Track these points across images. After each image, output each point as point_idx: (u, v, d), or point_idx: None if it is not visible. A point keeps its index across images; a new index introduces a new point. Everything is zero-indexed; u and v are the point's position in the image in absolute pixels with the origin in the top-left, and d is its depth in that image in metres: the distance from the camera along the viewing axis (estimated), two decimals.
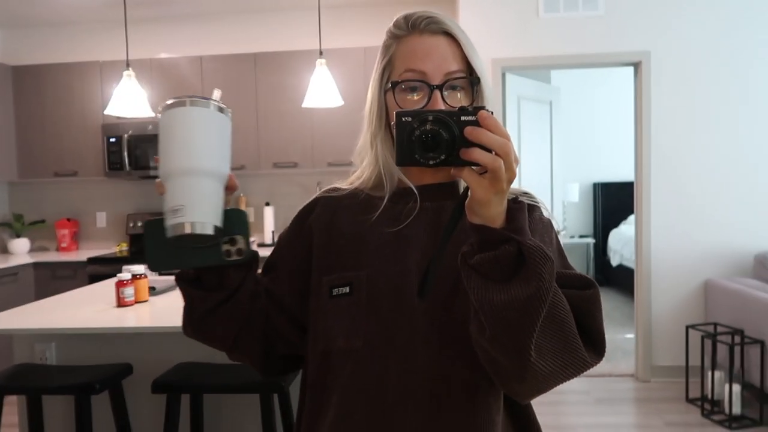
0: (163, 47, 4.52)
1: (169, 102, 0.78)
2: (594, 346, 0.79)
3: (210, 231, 0.77)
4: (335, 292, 0.86)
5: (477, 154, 0.66)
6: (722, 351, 3.31)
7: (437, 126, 0.68)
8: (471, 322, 0.76)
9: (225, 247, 0.83)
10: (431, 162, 0.69)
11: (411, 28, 0.88)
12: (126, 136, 4.16)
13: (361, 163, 0.95)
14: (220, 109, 0.80)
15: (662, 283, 3.77)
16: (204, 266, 0.84)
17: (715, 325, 3.40)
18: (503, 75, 3.87)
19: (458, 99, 0.86)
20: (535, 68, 4.03)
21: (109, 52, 4.46)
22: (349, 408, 0.84)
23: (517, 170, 0.69)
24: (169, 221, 0.75)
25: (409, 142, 0.69)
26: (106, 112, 2.63)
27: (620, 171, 6.82)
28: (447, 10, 4.32)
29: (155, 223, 0.80)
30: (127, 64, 2.65)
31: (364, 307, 0.84)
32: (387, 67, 0.89)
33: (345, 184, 0.97)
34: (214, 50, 4.42)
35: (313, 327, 0.90)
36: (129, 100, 2.55)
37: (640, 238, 3.80)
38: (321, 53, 2.93)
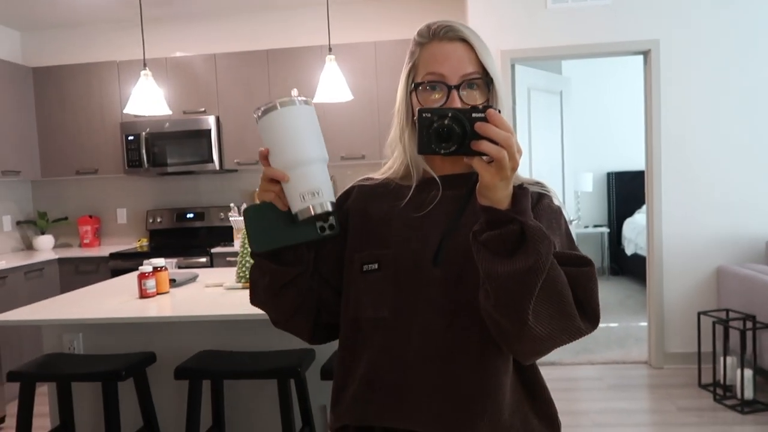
0: (178, 46, 4.62)
1: (268, 105, 0.90)
2: (588, 316, 0.90)
3: (330, 208, 0.92)
4: (366, 268, 0.98)
5: (485, 146, 0.79)
6: (734, 337, 3.33)
7: (451, 121, 0.81)
8: (479, 291, 0.88)
9: (319, 223, 0.94)
10: (444, 151, 0.82)
11: (432, 36, 0.99)
12: (144, 134, 4.26)
13: (392, 154, 1.08)
14: (307, 103, 0.92)
15: (674, 270, 3.79)
16: (305, 242, 0.96)
17: (727, 311, 3.42)
18: (512, 66, 3.90)
19: (474, 97, 0.98)
20: (544, 59, 4.05)
21: (126, 51, 4.57)
22: (377, 365, 0.98)
23: (520, 161, 0.80)
24: (307, 203, 0.90)
25: (428, 135, 0.83)
26: (125, 110, 2.72)
27: (634, 160, 6.79)
28: (456, 4, 4.35)
29: (255, 208, 0.93)
30: (144, 64, 2.73)
31: (390, 281, 0.97)
32: (412, 71, 1.01)
33: (377, 174, 1.10)
34: (228, 48, 4.51)
35: (346, 296, 1.03)
36: (147, 99, 2.63)
37: (651, 225, 3.82)
38: (330, 49, 2.99)
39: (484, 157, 0.79)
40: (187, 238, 4.61)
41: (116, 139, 4.38)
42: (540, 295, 0.82)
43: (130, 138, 4.29)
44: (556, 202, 1.02)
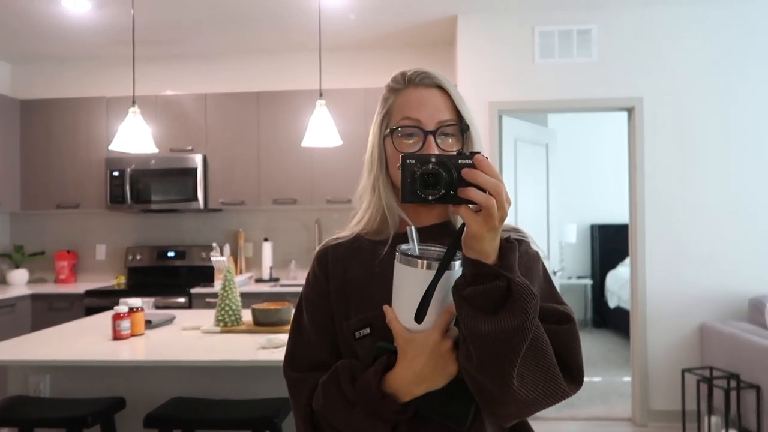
0: (169, 84, 4.63)
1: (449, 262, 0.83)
2: (572, 377, 0.86)
3: None
4: (357, 335, 0.92)
5: (472, 193, 0.75)
6: (718, 395, 3.29)
7: (437, 167, 0.77)
8: (459, 350, 0.82)
9: None
10: (431, 198, 0.77)
11: (407, 82, 0.98)
12: (129, 170, 4.22)
13: (361, 205, 1.02)
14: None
15: (658, 326, 3.77)
16: None
17: (711, 369, 3.39)
18: (500, 118, 3.96)
19: (449, 144, 0.96)
20: (530, 112, 4.12)
21: (116, 88, 4.57)
22: None
23: (509, 211, 0.77)
24: None
25: (412, 181, 0.78)
26: (111, 147, 2.69)
27: (617, 213, 6.87)
28: (446, 55, 4.45)
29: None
30: (133, 101, 2.72)
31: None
32: (386, 117, 0.99)
33: (346, 231, 1.04)
34: (218, 88, 4.53)
35: None
36: (133, 136, 2.61)
37: (635, 280, 3.82)
38: (321, 94, 3.01)
39: (471, 206, 0.76)
40: (166, 277, 4.51)
41: (100, 175, 4.33)
42: (525, 355, 0.78)
43: (115, 173, 4.24)
44: (534, 247, 1.00)
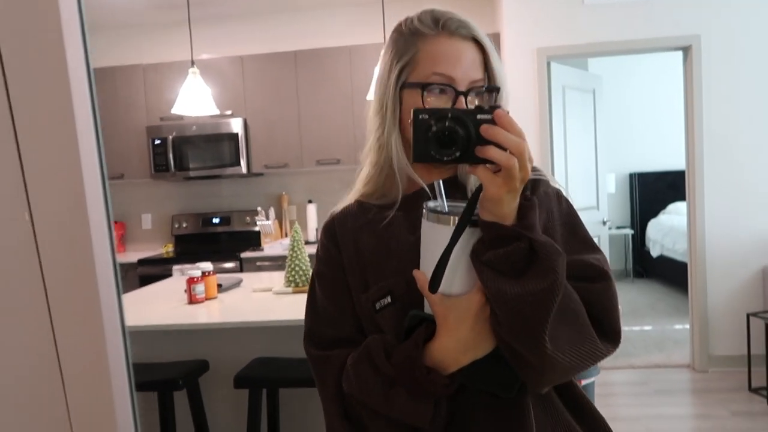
0: (204, 48, 4.54)
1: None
2: (607, 336, 0.81)
3: None
4: (378, 306, 0.85)
5: (492, 152, 0.68)
6: None
7: (453, 123, 0.69)
8: (490, 316, 0.77)
9: None
10: (446, 158, 0.70)
11: (441, 28, 0.87)
12: (171, 137, 4.19)
13: (366, 163, 0.94)
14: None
15: (717, 271, 3.69)
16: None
17: None
18: (548, 64, 3.82)
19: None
20: (581, 56, 3.97)
21: (150, 55, 4.50)
22: None
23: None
24: None
25: (426, 139, 0.70)
26: (173, 111, 2.64)
27: (656, 161, 6.72)
28: (485, 3, 4.28)
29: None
30: (192, 62, 2.66)
31: (407, 313, 0.84)
32: (408, 65, 0.87)
33: (351, 195, 0.96)
34: (255, 49, 4.43)
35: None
36: (195, 99, 2.56)
37: (693, 225, 3.72)
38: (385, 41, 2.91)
39: (490, 166, 0.69)
40: (212, 244, 4.52)
41: (142, 144, 4.30)
42: (556, 317, 0.73)
43: (157, 142, 4.21)
44: (554, 185, 0.91)
